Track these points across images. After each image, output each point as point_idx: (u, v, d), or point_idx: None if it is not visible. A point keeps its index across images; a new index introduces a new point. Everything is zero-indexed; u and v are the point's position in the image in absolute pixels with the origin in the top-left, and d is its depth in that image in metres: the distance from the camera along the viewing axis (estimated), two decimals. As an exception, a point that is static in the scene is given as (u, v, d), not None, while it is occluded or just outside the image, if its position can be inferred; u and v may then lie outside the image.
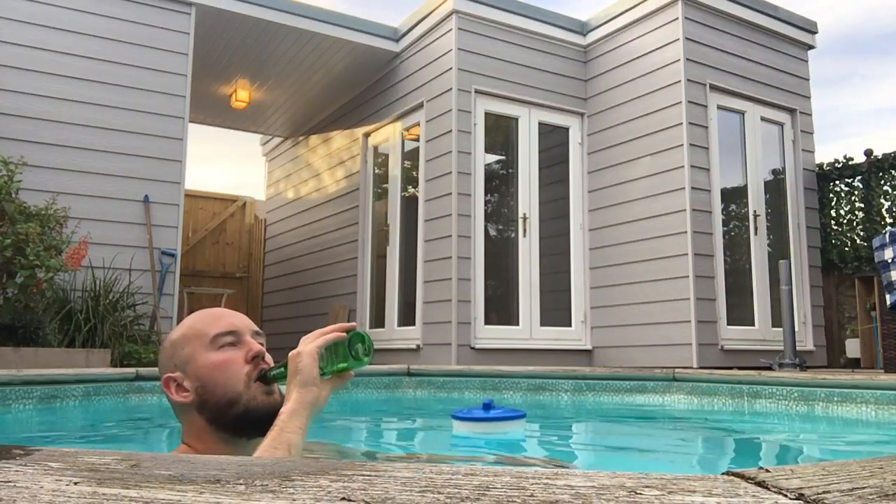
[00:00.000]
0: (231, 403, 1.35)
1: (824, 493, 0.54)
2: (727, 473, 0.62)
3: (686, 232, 6.18)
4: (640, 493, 0.54)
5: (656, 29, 6.70)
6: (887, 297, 5.10)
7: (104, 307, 5.38)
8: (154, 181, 6.08)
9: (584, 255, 7.09)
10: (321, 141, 9.27)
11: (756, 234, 6.75)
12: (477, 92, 6.71)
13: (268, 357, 1.43)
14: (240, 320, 1.45)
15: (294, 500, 0.52)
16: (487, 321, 6.52)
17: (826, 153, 8.78)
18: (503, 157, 7.35)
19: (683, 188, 6.25)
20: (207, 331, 1.40)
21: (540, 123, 7.09)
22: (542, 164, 7.06)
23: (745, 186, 6.83)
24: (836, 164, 7.37)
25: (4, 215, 4.94)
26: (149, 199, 6.02)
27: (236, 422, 1.35)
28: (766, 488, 0.56)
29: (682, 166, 6.28)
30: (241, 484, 0.57)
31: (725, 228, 6.66)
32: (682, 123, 6.32)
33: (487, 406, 2.78)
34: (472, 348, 6.27)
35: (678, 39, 6.45)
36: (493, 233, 7.11)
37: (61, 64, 5.87)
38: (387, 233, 7.56)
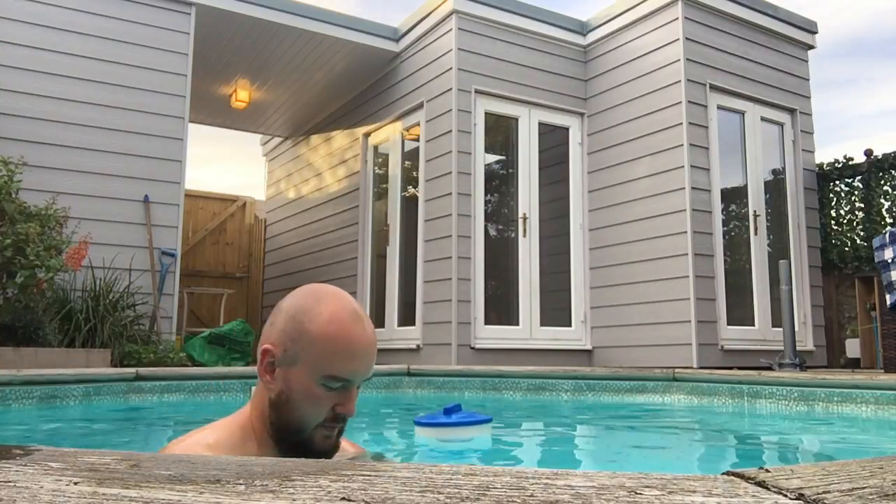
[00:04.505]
0: (298, 431, 1.34)
1: (824, 493, 0.54)
2: (727, 473, 0.62)
3: (686, 232, 6.18)
4: (640, 493, 0.54)
5: (656, 29, 6.69)
6: (887, 297, 5.10)
7: (104, 307, 5.38)
8: (154, 181, 6.07)
9: (584, 255, 7.09)
10: (321, 141, 9.27)
11: (756, 234, 6.75)
12: (477, 92, 6.71)
13: (350, 417, 1.39)
14: (366, 367, 1.36)
15: (294, 500, 0.52)
16: (487, 321, 6.52)
17: (832, 155, 8.77)
18: (503, 157, 7.35)
19: (683, 188, 6.25)
20: (333, 364, 1.30)
21: (540, 123, 7.09)
22: (542, 164, 7.06)
23: (745, 186, 6.82)
24: (836, 164, 7.37)
25: (4, 215, 4.94)
26: (149, 199, 6.02)
27: (292, 445, 1.35)
28: (766, 488, 0.56)
29: (682, 166, 6.27)
30: (241, 484, 0.57)
31: (725, 228, 6.66)
32: (682, 123, 6.32)
33: (449, 411, 2.68)
34: (472, 348, 6.27)
35: (678, 39, 6.45)
36: (493, 233, 7.11)
37: (61, 64, 5.87)
38: (387, 233, 7.56)
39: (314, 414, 1.33)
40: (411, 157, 7.52)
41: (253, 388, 1.42)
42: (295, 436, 1.34)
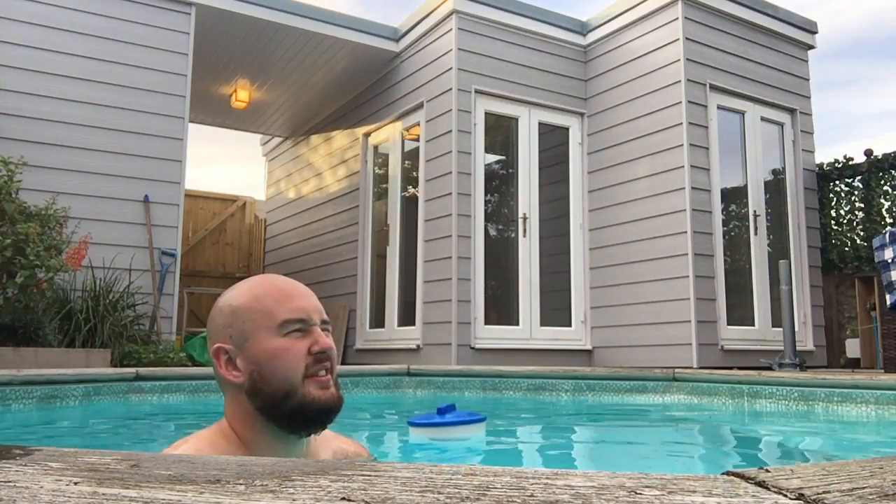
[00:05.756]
0: (287, 396, 1.26)
1: (824, 493, 0.54)
2: (727, 473, 0.62)
3: (686, 232, 6.18)
4: (640, 493, 0.54)
5: (656, 29, 6.70)
6: (887, 297, 5.10)
7: (104, 307, 5.38)
8: (154, 181, 6.07)
9: (584, 255, 7.09)
10: (321, 141, 9.27)
11: (756, 234, 6.75)
12: (477, 92, 6.71)
13: (333, 353, 1.32)
14: (311, 304, 1.33)
15: (294, 500, 0.52)
16: (487, 321, 6.52)
17: (832, 155, 8.76)
18: (503, 157, 7.35)
19: (683, 188, 6.25)
20: (275, 312, 1.28)
21: (540, 123, 7.09)
22: (542, 163, 7.06)
23: (745, 186, 6.82)
24: (836, 164, 7.37)
25: (4, 215, 4.94)
26: (149, 199, 6.02)
27: (292, 417, 1.27)
28: (766, 488, 0.56)
29: (682, 166, 6.28)
30: (241, 484, 0.57)
31: (725, 228, 6.66)
32: (682, 123, 6.32)
33: (443, 410, 2.66)
34: (472, 348, 6.27)
35: (678, 39, 6.45)
36: (493, 233, 7.11)
37: (61, 64, 5.87)
38: (387, 233, 7.56)
39: (293, 365, 1.27)
40: (411, 157, 7.52)
41: (224, 406, 1.36)
42: (290, 401, 1.26)
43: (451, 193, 6.48)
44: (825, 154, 7.39)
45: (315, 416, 1.28)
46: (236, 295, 1.33)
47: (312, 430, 1.30)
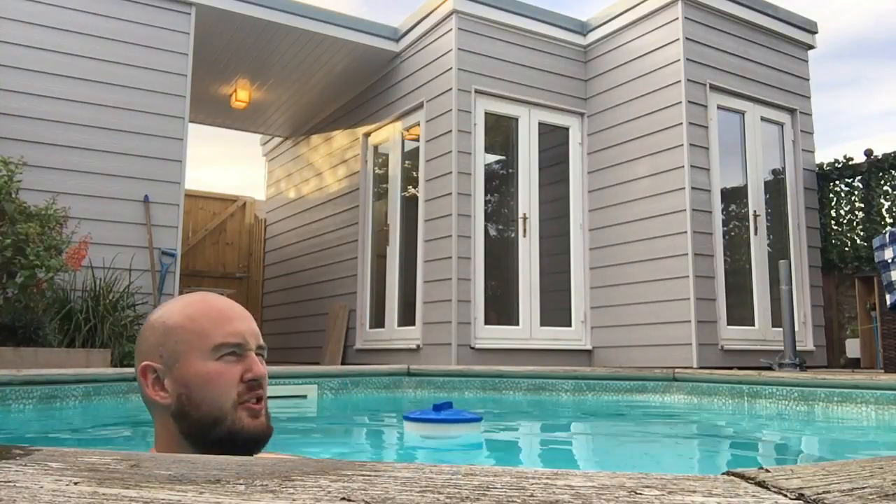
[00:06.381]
0: (216, 422, 1.20)
1: (824, 493, 0.54)
2: (727, 473, 0.62)
3: (686, 232, 6.18)
4: (640, 493, 0.54)
5: (656, 29, 6.70)
6: (887, 297, 5.10)
7: (104, 307, 5.38)
8: (154, 181, 6.07)
9: (584, 255, 7.09)
10: (321, 141, 9.27)
11: (756, 234, 6.75)
12: (477, 92, 6.71)
13: (266, 381, 1.26)
14: (248, 328, 1.27)
15: (294, 500, 0.52)
16: (487, 321, 6.52)
17: (832, 155, 8.76)
18: (503, 157, 7.35)
19: (683, 188, 6.25)
20: (211, 334, 1.23)
21: (540, 123, 7.09)
22: (542, 164, 7.06)
23: (745, 186, 6.82)
24: (836, 164, 7.37)
25: (4, 215, 4.94)
26: (149, 199, 6.02)
27: (219, 444, 1.21)
28: (766, 488, 0.56)
29: (682, 166, 6.28)
30: (241, 484, 0.57)
31: (725, 228, 6.66)
32: (682, 123, 6.32)
33: (439, 408, 2.64)
34: (472, 348, 6.27)
35: (678, 39, 6.45)
36: (493, 233, 7.11)
37: (61, 64, 5.87)
38: (387, 233, 7.56)
39: (223, 391, 1.21)
40: (411, 157, 7.52)
41: (154, 434, 1.30)
42: (219, 428, 1.20)
43: (451, 193, 6.48)
44: (825, 154, 7.40)
45: (243, 445, 1.22)
46: (170, 313, 1.27)
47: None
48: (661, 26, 6.65)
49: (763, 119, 7.00)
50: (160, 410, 1.25)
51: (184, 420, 1.22)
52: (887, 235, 5.07)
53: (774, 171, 7.16)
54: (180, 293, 6.38)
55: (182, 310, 1.27)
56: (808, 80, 7.40)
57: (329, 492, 0.54)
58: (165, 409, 1.23)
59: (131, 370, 4.20)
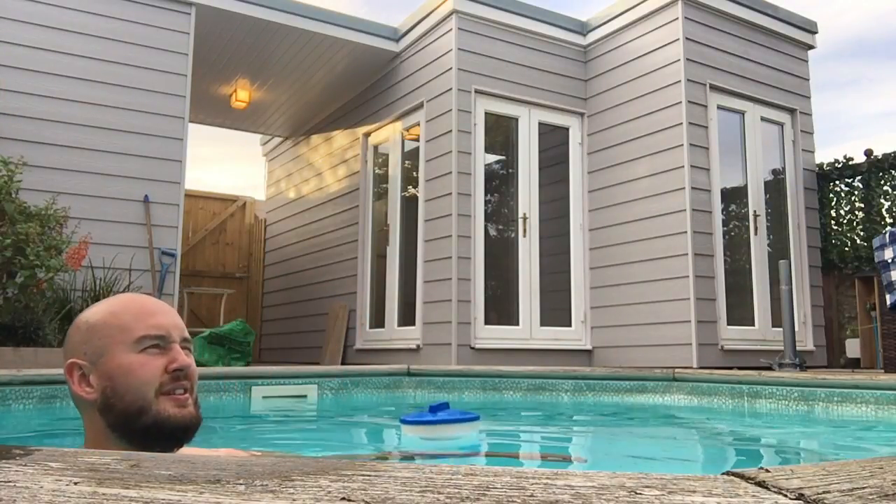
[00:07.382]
0: (140, 412, 1.22)
1: (824, 493, 0.54)
2: (727, 473, 0.62)
3: (686, 232, 6.18)
4: (640, 493, 0.54)
5: (656, 29, 6.70)
6: (887, 297, 5.10)
7: (104, 307, 5.37)
8: (154, 181, 6.07)
9: (584, 255, 7.09)
10: (321, 141, 9.27)
11: (756, 234, 6.75)
12: (477, 92, 6.71)
13: (192, 371, 1.30)
14: (171, 322, 1.30)
15: (294, 500, 0.52)
16: (487, 321, 6.52)
17: (832, 155, 8.77)
18: (503, 157, 7.35)
19: (683, 188, 6.25)
20: (133, 328, 1.25)
21: (540, 123, 7.09)
22: (542, 164, 7.06)
23: (745, 186, 6.82)
24: (836, 164, 7.37)
25: (4, 215, 4.94)
26: (149, 199, 6.02)
27: (146, 434, 1.22)
28: (766, 488, 0.56)
29: (682, 166, 6.28)
30: (241, 484, 0.57)
31: (725, 228, 6.66)
32: (682, 123, 6.32)
33: (435, 409, 2.65)
34: (472, 348, 6.27)
35: (678, 39, 6.45)
36: (493, 233, 7.11)
37: (61, 64, 5.86)
38: (387, 233, 7.56)
39: (146, 381, 1.23)
40: (411, 157, 7.52)
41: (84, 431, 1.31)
42: (144, 418, 1.22)
43: (451, 193, 6.48)
44: (825, 154, 7.40)
45: (170, 434, 1.24)
46: (94, 312, 1.31)
47: (168, 449, 1.25)
48: (661, 26, 6.65)
49: (763, 119, 7.00)
50: (87, 406, 1.27)
51: (109, 412, 1.24)
52: (887, 235, 5.07)
53: (774, 171, 7.16)
54: (180, 293, 6.39)
55: (105, 308, 1.30)
56: (808, 80, 7.40)
57: (329, 492, 0.54)
58: (92, 405, 1.26)
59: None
